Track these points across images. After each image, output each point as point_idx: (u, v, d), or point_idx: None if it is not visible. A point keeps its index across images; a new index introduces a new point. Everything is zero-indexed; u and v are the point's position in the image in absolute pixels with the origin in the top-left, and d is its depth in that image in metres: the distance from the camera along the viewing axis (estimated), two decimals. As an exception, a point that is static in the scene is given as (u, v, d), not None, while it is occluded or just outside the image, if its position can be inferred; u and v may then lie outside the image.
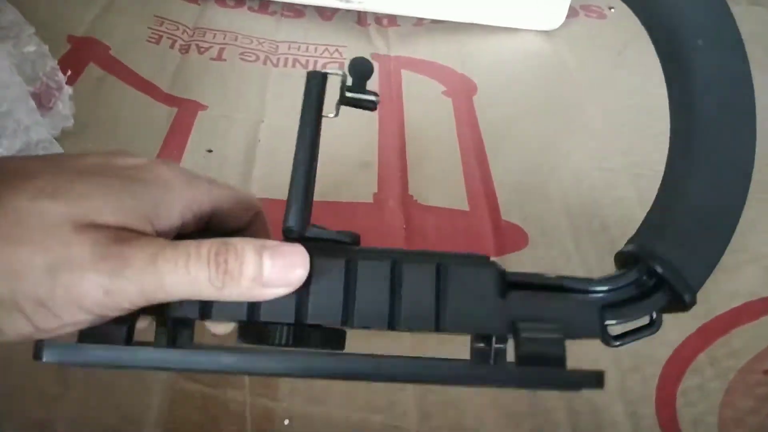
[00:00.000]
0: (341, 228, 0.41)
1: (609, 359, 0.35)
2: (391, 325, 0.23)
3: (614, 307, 0.25)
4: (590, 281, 0.25)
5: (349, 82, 0.26)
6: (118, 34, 0.51)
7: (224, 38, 0.55)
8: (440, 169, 0.47)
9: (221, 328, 0.27)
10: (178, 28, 0.55)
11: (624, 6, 0.68)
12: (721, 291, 0.38)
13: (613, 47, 0.57)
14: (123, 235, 0.20)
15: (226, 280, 0.20)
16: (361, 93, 0.26)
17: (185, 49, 0.53)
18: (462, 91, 0.54)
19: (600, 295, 0.25)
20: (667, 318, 0.36)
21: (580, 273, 0.40)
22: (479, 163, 0.47)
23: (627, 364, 0.35)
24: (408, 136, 0.50)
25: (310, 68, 0.55)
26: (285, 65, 0.55)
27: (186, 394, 0.33)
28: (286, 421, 0.33)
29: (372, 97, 0.26)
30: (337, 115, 0.26)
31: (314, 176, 0.25)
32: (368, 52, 0.57)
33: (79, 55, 0.48)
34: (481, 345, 0.24)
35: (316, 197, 0.43)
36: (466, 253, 0.25)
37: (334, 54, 0.57)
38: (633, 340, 0.25)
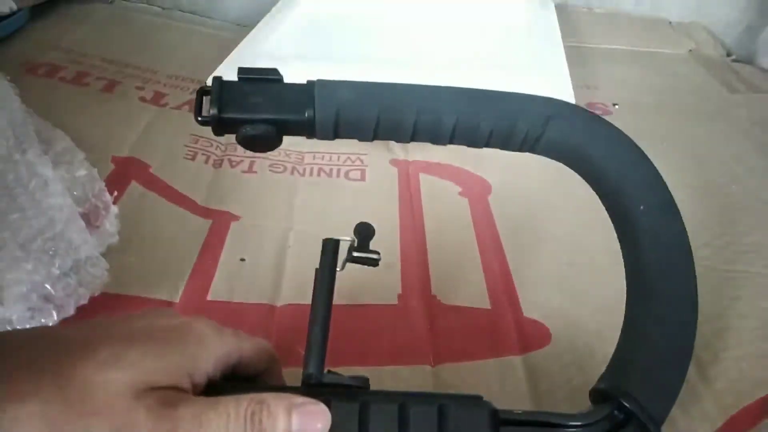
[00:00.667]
0: (368, 333, 0.43)
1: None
2: None
3: None
4: (571, 416, 0.29)
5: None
6: (157, 153, 0.56)
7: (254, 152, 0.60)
8: (460, 267, 0.49)
9: None
10: (212, 145, 0.59)
11: (629, 102, 0.73)
12: (747, 380, 0.39)
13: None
14: (171, 398, 0.24)
15: None
16: (365, 252, 0.33)
17: (218, 164, 0.58)
18: (477, 191, 0.57)
19: (578, 429, 0.29)
20: (695, 411, 0.37)
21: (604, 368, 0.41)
22: (498, 261, 0.49)
23: (659, 460, 0.35)
24: (428, 236, 0.52)
25: (334, 176, 0.59)
26: (311, 174, 0.58)
27: None
28: None
29: (374, 256, 0.33)
30: (342, 269, 0.32)
31: (328, 328, 0.29)
32: (387, 159, 0.61)
33: (123, 174, 0.52)
34: None
35: (343, 301, 0.45)
36: (463, 394, 0.29)
37: (355, 162, 0.61)
38: None
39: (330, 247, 0.32)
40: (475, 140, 0.36)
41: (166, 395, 0.24)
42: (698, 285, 0.32)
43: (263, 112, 0.33)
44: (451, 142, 0.36)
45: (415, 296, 0.46)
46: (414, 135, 0.35)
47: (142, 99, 0.64)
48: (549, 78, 0.63)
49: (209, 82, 0.63)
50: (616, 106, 0.69)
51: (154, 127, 0.59)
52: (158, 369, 0.24)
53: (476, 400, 0.29)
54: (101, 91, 0.64)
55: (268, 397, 0.25)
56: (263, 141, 0.34)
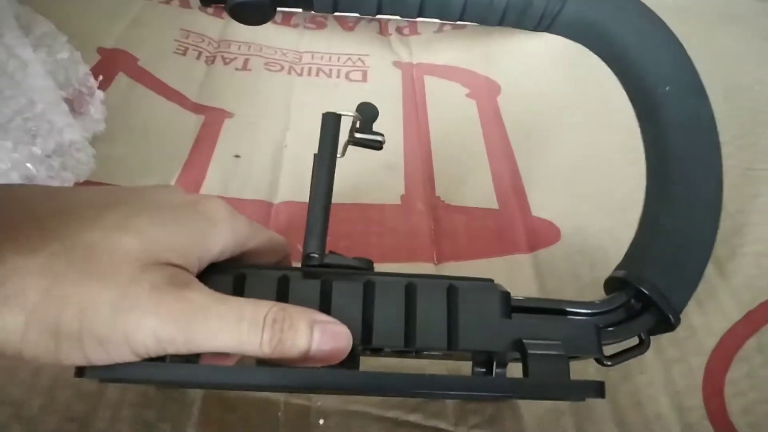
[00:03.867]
0: (370, 232, 0.41)
1: (652, 350, 0.34)
2: (408, 342, 0.24)
3: (607, 327, 0.27)
4: (586, 304, 0.27)
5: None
6: (145, 46, 0.52)
7: (249, 49, 0.56)
8: (467, 169, 0.47)
9: None
10: (203, 40, 0.56)
11: (653, 5, 0.69)
12: (766, 276, 0.37)
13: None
14: (179, 278, 0.21)
15: (277, 348, 0.21)
16: (368, 133, 0.29)
17: (211, 60, 0.54)
18: (486, 93, 0.54)
19: (594, 317, 0.27)
20: (712, 306, 0.36)
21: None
22: (507, 162, 0.47)
23: (671, 355, 0.34)
24: (433, 139, 0.50)
25: (334, 77, 0.55)
26: (309, 74, 0.55)
27: (220, 395, 0.32)
28: (321, 421, 0.32)
29: (378, 138, 0.29)
30: (343, 155, 0.29)
31: (329, 208, 0.27)
32: (390, 60, 0.58)
33: (109, 66, 0.49)
34: (482, 370, 0.26)
35: (346, 199, 0.43)
36: (473, 277, 0.27)
37: (357, 63, 0.57)
38: (625, 360, 0.27)
39: (331, 121, 0.29)
40: (487, 16, 0.33)
41: (174, 274, 0.21)
42: (719, 182, 0.30)
43: None
44: (461, 19, 0.33)
45: (419, 197, 0.44)
46: (421, 9, 0.32)
47: (129, -9, 0.59)
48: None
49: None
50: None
51: (143, 20, 0.55)
52: (167, 242, 0.22)
53: (487, 282, 0.27)
54: (84, -19, 0.59)
55: (292, 308, 0.22)
56: (255, 10, 0.31)
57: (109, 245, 0.21)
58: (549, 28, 0.33)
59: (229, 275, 0.25)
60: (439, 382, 0.23)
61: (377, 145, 0.30)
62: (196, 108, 0.49)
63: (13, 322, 0.19)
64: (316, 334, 0.22)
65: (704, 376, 0.33)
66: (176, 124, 0.47)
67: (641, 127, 0.32)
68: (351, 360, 0.24)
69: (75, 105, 0.40)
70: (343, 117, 0.29)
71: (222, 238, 0.24)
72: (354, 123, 0.30)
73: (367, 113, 0.30)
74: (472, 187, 0.45)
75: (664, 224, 0.30)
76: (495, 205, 0.44)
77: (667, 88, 0.31)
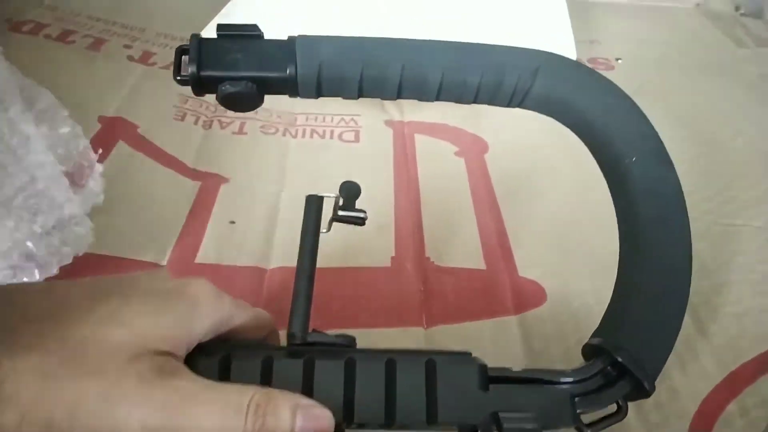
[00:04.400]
0: (360, 295, 0.42)
1: (635, 413, 0.34)
2: (388, 419, 0.25)
3: (584, 396, 0.28)
4: (562, 373, 0.28)
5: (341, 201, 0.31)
6: (145, 113, 0.54)
7: (245, 113, 0.58)
8: (455, 229, 0.48)
9: None
10: (201, 105, 0.58)
11: (632, 57, 0.71)
12: (747, 336, 0.38)
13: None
14: (167, 367, 0.23)
15: None
16: (350, 211, 0.31)
17: (208, 125, 0.56)
18: (474, 150, 0.55)
19: (570, 385, 0.28)
20: (694, 367, 0.36)
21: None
22: (494, 221, 0.48)
23: (654, 419, 0.34)
24: (423, 197, 0.51)
25: (327, 137, 0.57)
26: (303, 136, 0.57)
27: None
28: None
29: (361, 215, 0.31)
30: (328, 230, 0.31)
31: (312, 288, 0.28)
32: (382, 119, 0.60)
33: (109, 134, 0.51)
34: None
35: (336, 263, 0.44)
36: (452, 350, 0.28)
37: (349, 123, 0.59)
38: (604, 427, 0.28)
39: (313, 203, 0.30)
40: (462, 95, 0.34)
41: (162, 363, 0.23)
42: (699, 239, 0.31)
43: (243, 70, 0.32)
44: (438, 98, 0.35)
45: (409, 258, 0.45)
46: (400, 91, 0.34)
47: (130, 58, 0.62)
48: (551, 33, 0.60)
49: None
50: (620, 61, 0.67)
51: (142, 87, 0.57)
52: (155, 331, 0.23)
53: (465, 356, 0.28)
54: (87, 49, 0.62)
55: (275, 392, 0.24)
56: (244, 99, 0.33)
57: (99, 339, 0.22)
58: (521, 105, 0.34)
59: (215, 359, 0.26)
60: None
61: (360, 222, 0.32)
62: (194, 174, 0.51)
63: (9, 421, 0.20)
64: (299, 418, 0.23)
65: (687, 441, 0.33)
66: (174, 191, 0.48)
67: (612, 196, 0.33)
68: None
69: (75, 178, 0.41)
70: (325, 198, 0.31)
71: (207, 320, 0.25)
72: (336, 203, 0.31)
73: (349, 191, 0.32)
74: (460, 246, 0.46)
75: (636, 291, 0.30)
76: (482, 266, 0.45)
77: (633, 159, 0.32)
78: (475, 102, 0.35)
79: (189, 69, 0.31)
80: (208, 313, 0.25)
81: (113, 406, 0.21)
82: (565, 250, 0.45)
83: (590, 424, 0.28)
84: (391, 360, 0.26)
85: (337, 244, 0.45)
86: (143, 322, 0.23)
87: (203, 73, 0.31)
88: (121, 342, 0.22)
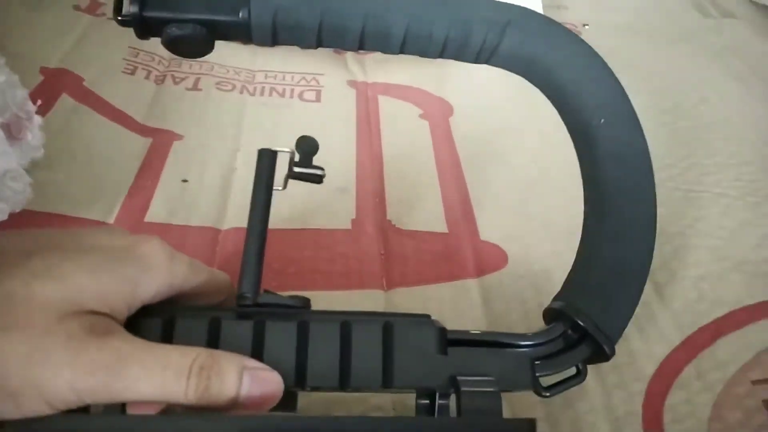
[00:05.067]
0: (319, 258, 0.41)
1: (593, 376, 0.34)
2: (343, 384, 0.24)
3: (544, 359, 0.27)
4: (522, 336, 0.28)
5: (297, 158, 0.29)
6: (92, 65, 0.51)
7: (200, 68, 0.55)
8: (418, 192, 0.47)
9: None
10: (153, 59, 0.55)
11: (599, 23, 0.70)
12: (706, 300, 0.38)
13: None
14: (100, 326, 0.21)
15: (203, 395, 0.21)
16: (307, 168, 0.29)
17: (160, 80, 0.53)
18: (438, 113, 0.54)
19: (530, 349, 0.27)
20: (652, 330, 0.36)
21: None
22: (457, 184, 0.47)
23: (612, 381, 0.34)
24: (386, 160, 0.50)
25: (287, 96, 0.55)
26: (262, 94, 0.55)
27: None
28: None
29: (318, 172, 0.29)
30: (284, 188, 0.29)
31: (264, 246, 0.27)
32: (345, 79, 0.58)
33: (52, 87, 0.47)
34: (426, 401, 0.26)
35: (295, 224, 0.43)
36: (410, 313, 0.27)
37: (311, 82, 0.57)
38: (563, 390, 0.27)
39: (266, 158, 0.29)
40: (427, 49, 0.33)
41: (95, 322, 0.21)
42: (660, 204, 0.31)
43: (192, 11, 0.30)
44: (402, 51, 0.33)
45: (370, 221, 0.44)
46: (362, 42, 0.32)
47: (76, 7, 0.58)
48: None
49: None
50: (587, 27, 0.66)
51: (89, 38, 0.54)
52: (92, 289, 0.21)
53: (423, 318, 0.27)
54: (29, -3, 0.58)
55: (220, 354, 0.22)
56: (192, 44, 0.30)
57: (27, 294, 0.20)
58: (489, 61, 0.33)
59: (158, 318, 0.24)
60: (368, 425, 0.23)
61: (317, 179, 0.30)
62: (144, 130, 0.48)
63: None
64: (246, 380, 0.22)
65: (644, 402, 0.33)
66: (122, 147, 0.46)
67: (579, 159, 0.33)
68: (287, 400, 0.24)
69: (12, 131, 0.38)
70: (280, 153, 0.29)
71: (155, 283, 0.24)
72: (291, 159, 0.30)
73: (306, 147, 0.30)
74: (422, 210, 0.45)
75: (599, 255, 0.30)
76: (444, 229, 0.44)
77: (602, 121, 0.31)
78: (441, 56, 0.33)
79: (131, 8, 0.29)
80: (158, 275, 0.24)
81: (38, 366, 0.19)
82: (527, 214, 0.45)
83: (548, 387, 0.27)
84: (346, 322, 0.25)
85: (296, 206, 0.43)
86: (80, 278, 0.21)
87: (146, 14, 0.29)
88: (52, 298, 0.20)
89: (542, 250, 0.42)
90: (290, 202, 0.42)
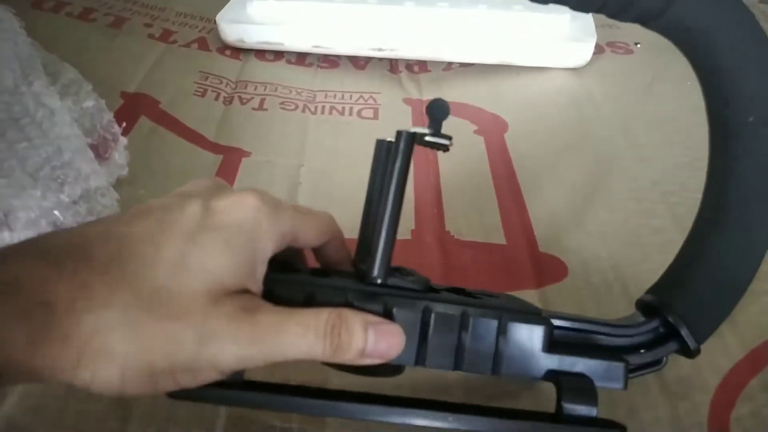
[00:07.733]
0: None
1: (657, 387, 0.34)
2: (456, 367, 0.27)
3: (634, 349, 0.29)
4: (617, 327, 0.29)
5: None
6: (166, 89, 0.55)
7: (265, 89, 0.58)
8: (475, 205, 0.48)
9: None
10: (221, 82, 0.58)
11: (650, 41, 0.70)
12: (769, 315, 0.38)
13: (640, 81, 0.58)
14: (248, 304, 0.24)
15: (337, 351, 0.24)
16: (436, 137, 0.28)
17: (229, 101, 0.56)
18: (493, 130, 0.55)
19: (624, 339, 0.29)
20: (716, 343, 0.36)
21: (622, 302, 0.40)
22: (514, 198, 0.48)
23: (677, 392, 0.34)
24: (442, 174, 0.51)
25: (346, 114, 0.57)
26: (322, 113, 0.57)
27: (243, 415, 0.33)
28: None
29: (445, 141, 0.28)
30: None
31: (397, 228, 0.27)
32: (401, 97, 0.60)
33: (132, 110, 0.51)
34: None
35: (354, 234, 0.44)
36: (522, 303, 0.29)
37: (368, 100, 0.59)
38: (640, 375, 0.29)
39: (406, 140, 0.28)
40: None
41: (243, 301, 0.24)
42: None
43: None
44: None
45: (429, 232, 0.46)
46: None
47: (151, 36, 0.62)
48: (571, 15, 0.60)
49: (218, 19, 0.61)
50: (638, 45, 0.66)
51: (163, 64, 0.58)
52: (226, 273, 0.23)
53: (534, 314, 0.28)
54: (108, 27, 0.62)
55: (346, 311, 0.25)
56: None
57: (175, 288, 0.22)
58: (647, 24, 0.29)
59: (297, 293, 0.26)
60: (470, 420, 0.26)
61: (444, 148, 0.29)
62: (215, 148, 0.51)
63: (109, 376, 0.21)
64: (371, 334, 0.24)
65: (709, 414, 0.33)
66: (196, 164, 0.49)
67: (710, 153, 0.30)
68: (397, 367, 0.28)
69: (100, 151, 0.42)
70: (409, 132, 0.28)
71: (269, 246, 0.25)
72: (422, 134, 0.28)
73: (437, 112, 0.28)
74: (480, 222, 0.46)
75: (708, 260, 0.29)
76: (503, 241, 0.45)
77: (750, 119, 0.28)
78: (599, 11, 0.30)
79: None
80: (269, 243, 0.25)
81: (210, 346, 0.22)
82: (585, 228, 0.45)
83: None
84: (465, 314, 0.27)
85: (356, 216, 0.45)
86: (213, 267, 0.23)
87: None
88: (199, 289, 0.23)
89: (601, 264, 0.42)
90: (352, 212, 0.44)
